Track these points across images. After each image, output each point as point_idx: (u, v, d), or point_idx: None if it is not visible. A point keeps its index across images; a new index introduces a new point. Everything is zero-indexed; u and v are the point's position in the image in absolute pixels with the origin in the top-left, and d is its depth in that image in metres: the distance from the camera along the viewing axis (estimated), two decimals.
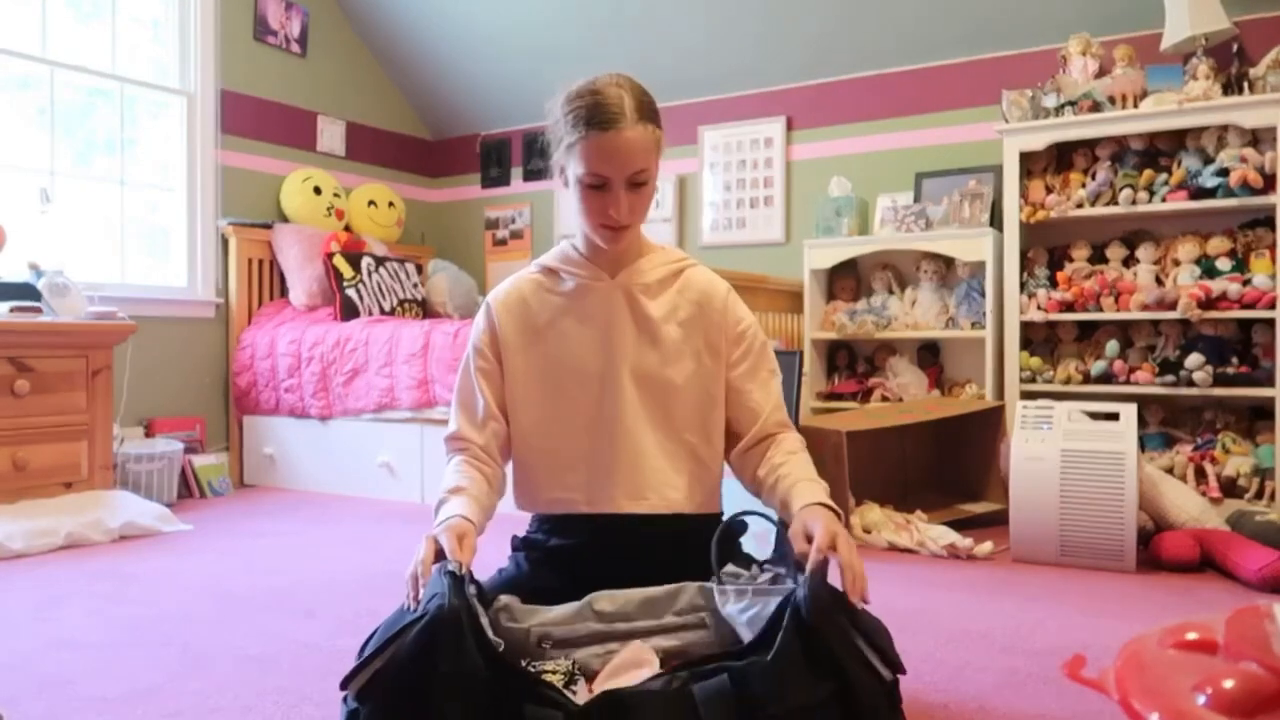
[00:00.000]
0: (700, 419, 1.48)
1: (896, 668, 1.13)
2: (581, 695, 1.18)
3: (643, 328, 1.47)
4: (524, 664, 1.24)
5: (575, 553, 1.46)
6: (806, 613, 1.07)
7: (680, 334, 1.48)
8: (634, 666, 1.21)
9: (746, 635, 1.21)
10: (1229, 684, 0.78)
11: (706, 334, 1.49)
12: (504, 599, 1.31)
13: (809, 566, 1.16)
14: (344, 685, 1.09)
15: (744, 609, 1.23)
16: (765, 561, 1.38)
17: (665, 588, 1.32)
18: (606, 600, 1.31)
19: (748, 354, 1.51)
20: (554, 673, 1.21)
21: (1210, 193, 3.12)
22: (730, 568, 1.34)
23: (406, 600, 1.18)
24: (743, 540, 1.43)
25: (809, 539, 1.21)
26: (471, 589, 1.18)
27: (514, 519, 1.58)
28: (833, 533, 1.20)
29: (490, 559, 1.62)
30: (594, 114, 1.33)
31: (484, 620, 1.15)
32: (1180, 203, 3.16)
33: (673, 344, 1.47)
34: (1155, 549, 2.54)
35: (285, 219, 4.37)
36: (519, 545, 1.55)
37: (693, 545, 1.39)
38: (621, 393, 1.45)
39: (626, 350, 1.47)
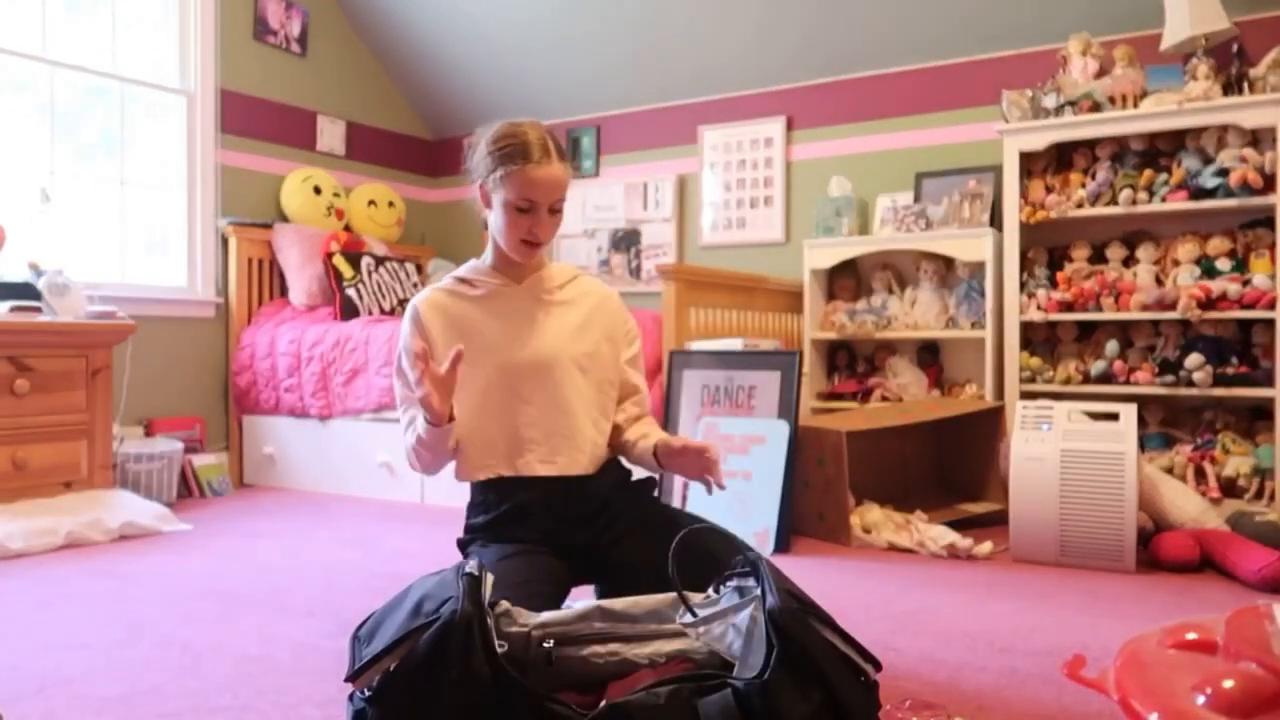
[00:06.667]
0: (602, 395, 1.77)
1: (876, 665, 1.19)
2: None
3: (551, 320, 1.75)
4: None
5: (523, 508, 1.67)
6: (781, 623, 1.10)
7: (583, 323, 1.77)
8: None
9: (736, 644, 1.21)
10: (1228, 684, 0.78)
11: (606, 328, 1.81)
12: (503, 605, 1.32)
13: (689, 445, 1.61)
14: (351, 679, 1.11)
15: (721, 635, 1.22)
16: (726, 577, 1.33)
17: (672, 596, 1.32)
18: (612, 603, 1.32)
19: (635, 352, 1.86)
20: None
21: (1210, 193, 3.12)
22: (696, 598, 1.30)
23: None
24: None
25: (683, 448, 1.62)
26: (486, 591, 1.19)
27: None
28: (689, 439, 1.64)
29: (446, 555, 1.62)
30: (527, 151, 1.63)
31: (490, 624, 1.15)
32: (1180, 203, 3.16)
33: (579, 333, 1.76)
34: (1155, 549, 2.54)
35: (285, 219, 4.37)
36: (467, 539, 1.73)
37: (604, 483, 1.73)
38: (540, 376, 1.71)
39: (542, 339, 1.73)
